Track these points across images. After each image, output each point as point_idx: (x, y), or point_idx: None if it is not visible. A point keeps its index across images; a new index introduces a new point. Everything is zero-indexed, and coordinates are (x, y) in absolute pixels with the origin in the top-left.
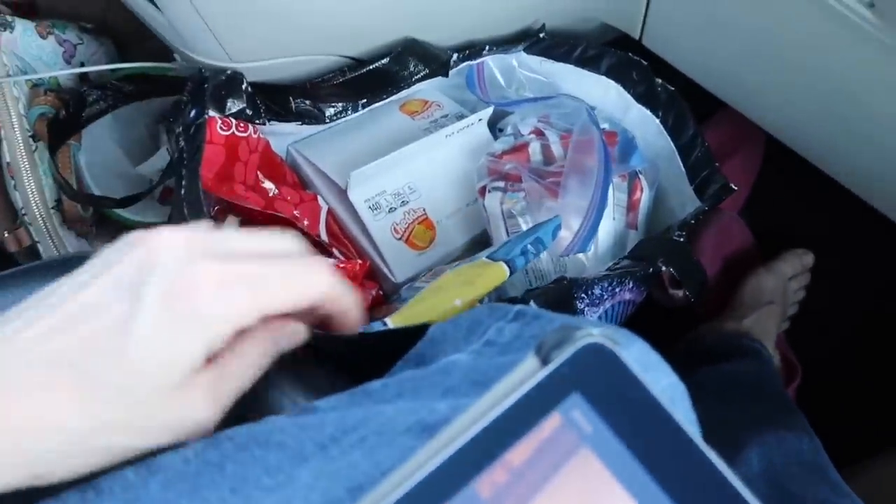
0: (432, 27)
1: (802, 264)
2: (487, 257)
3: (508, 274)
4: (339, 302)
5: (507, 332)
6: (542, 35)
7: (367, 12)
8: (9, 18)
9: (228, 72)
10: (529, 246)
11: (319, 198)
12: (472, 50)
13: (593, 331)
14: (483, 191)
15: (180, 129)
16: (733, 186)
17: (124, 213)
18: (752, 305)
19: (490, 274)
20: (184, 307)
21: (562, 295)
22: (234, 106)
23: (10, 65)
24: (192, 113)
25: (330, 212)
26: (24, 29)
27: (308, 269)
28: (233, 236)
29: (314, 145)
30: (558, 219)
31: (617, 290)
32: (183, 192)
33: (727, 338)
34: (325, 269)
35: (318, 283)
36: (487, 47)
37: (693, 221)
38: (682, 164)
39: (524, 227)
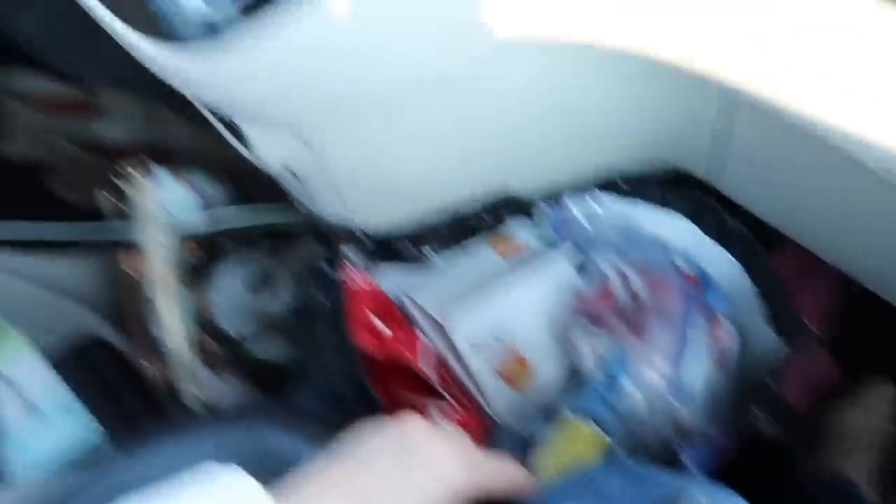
0: (520, 176)
1: (890, 397)
2: (571, 411)
3: (605, 436)
4: (523, 492)
5: (617, 487)
6: (619, 179)
7: (467, 171)
8: (151, 168)
9: (352, 226)
10: (605, 393)
11: (425, 337)
12: (555, 194)
13: (702, 500)
14: (572, 331)
15: (314, 278)
16: (811, 328)
17: (253, 349)
18: (843, 442)
19: (587, 443)
20: (429, 467)
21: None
22: (354, 255)
23: (155, 212)
24: (328, 269)
25: (435, 351)
26: (164, 177)
27: (509, 470)
28: (455, 434)
29: (417, 286)
30: (620, 349)
31: (712, 435)
32: (333, 347)
33: (818, 477)
34: (521, 472)
35: (516, 482)
36: (569, 191)
37: (781, 369)
38: (760, 304)
39: None
